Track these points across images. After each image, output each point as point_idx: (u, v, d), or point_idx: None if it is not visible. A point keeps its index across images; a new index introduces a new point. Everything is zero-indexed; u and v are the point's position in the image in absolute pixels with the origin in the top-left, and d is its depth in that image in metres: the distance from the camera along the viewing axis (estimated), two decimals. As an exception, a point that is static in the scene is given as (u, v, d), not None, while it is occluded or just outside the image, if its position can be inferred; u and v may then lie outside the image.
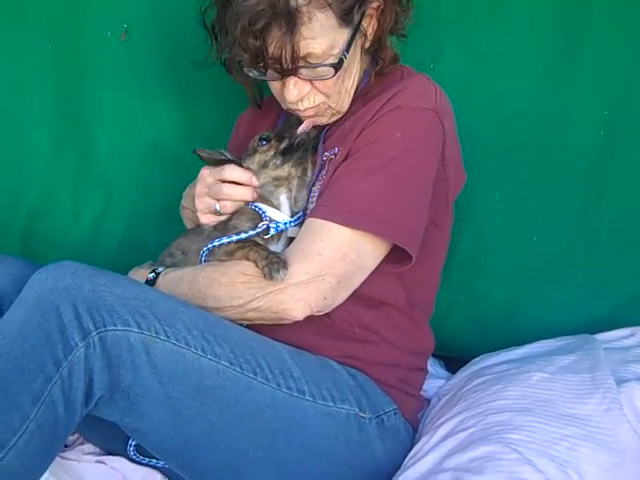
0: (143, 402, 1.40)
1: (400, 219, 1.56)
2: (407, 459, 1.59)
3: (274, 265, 1.50)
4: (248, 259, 1.56)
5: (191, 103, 2.11)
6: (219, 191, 1.68)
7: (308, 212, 1.65)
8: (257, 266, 1.54)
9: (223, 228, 1.67)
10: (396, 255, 1.58)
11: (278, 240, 1.67)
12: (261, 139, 1.71)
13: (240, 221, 1.67)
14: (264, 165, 1.69)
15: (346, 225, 1.53)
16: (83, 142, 2.14)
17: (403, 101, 1.59)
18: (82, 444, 1.79)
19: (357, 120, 1.64)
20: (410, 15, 1.71)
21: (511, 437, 1.44)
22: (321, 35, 1.53)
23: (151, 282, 1.66)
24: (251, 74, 1.62)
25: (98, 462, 1.71)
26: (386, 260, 1.60)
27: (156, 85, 2.10)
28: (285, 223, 1.66)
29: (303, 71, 1.57)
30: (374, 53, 1.70)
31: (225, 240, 1.62)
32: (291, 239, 1.64)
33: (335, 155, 1.64)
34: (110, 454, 1.74)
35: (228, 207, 1.69)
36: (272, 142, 1.70)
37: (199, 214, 1.72)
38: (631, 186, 1.96)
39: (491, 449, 1.42)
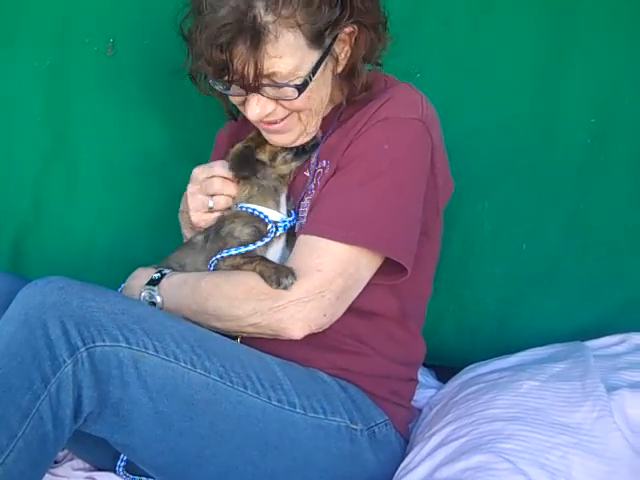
0: (132, 418, 1.40)
1: (393, 232, 1.56)
2: (399, 470, 1.59)
3: (282, 272, 1.50)
4: (255, 271, 1.55)
5: (178, 115, 2.10)
6: (210, 186, 1.68)
7: (298, 225, 1.64)
8: (264, 277, 1.52)
9: (216, 237, 1.65)
10: (390, 267, 1.58)
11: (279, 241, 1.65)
12: None
13: (235, 225, 1.64)
14: (273, 158, 1.66)
15: (341, 241, 1.53)
16: (71, 156, 2.13)
17: (389, 112, 1.59)
18: (71, 460, 1.77)
19: (344, 133, 1.63)
20: (386, 45, 1.68)
21: (503, 446, 1.44)
22: (287, 55, 1.49)
23: (155, 282, 1.64)
24: (216, 87, 1.59)
25: (88, 478, 1.70)
26: (381, 273, 1.60)
27: (143, 98, 2.10)
28: (290, 221, 1.65)
29: (267, 89, 1.53)
30: (346, 79, 1.65)
31: (233, 252, 1.60)
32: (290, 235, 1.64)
33: (323, 169, 1.64)
34: (100, 470, 1.72)
35: (221, 203, 1.68)
36: None
37: (191, 212, 1.71)
38: (619, 193, 1.97)
39: (483, 459, 1.42)
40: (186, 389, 1.42)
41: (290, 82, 1.52)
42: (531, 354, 1.86)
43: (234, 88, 1.56)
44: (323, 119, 1.68)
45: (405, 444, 1.71)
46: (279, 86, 1.52)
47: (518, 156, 1.99)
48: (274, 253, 1.64)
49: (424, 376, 2.01)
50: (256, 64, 1.47)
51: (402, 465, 1.59)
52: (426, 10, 1.96)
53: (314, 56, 1.53)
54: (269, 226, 1.62)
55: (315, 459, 1.53)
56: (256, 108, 1.56)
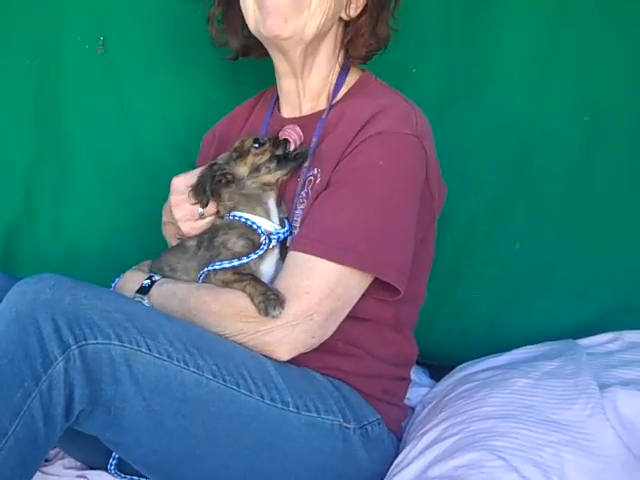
0: (124, 416, 1.39)
1: (385, 252, 1.54)
2: (392, 468, 1.59)
3: (270, 301, 1.48)
4: (244, 292, 1.54)
5: (170, 113, 2.10)
6: None
7: (290, 238, 1.63)
8: (253, 301, 1.51)
9: (209, 246, 1.64)
10: (384, 283, 1.55)
11: (272, 253, 1.63)
12: (256, 141, 1.67)
13: (229, 236, 1.62)
14: (256, 168, 1.65)
15: (332, 260, 1.51)
16: (62, 155, 2.13)
17: (383, 127, 1.57)
18: (63, 458, 1.77)
19: (335, 139, 1.62)
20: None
21: (495, 444, 1.44)
22: None
23: (145, 289, 1.64)
24: None
25: (79, 476, 1.69)
26: (374, 288, 1.58)
27: (134, 97, 2.10)
28: (284, 232, 1.63)
29: None
30: (352, 31, 1.71)
31: (226, 264, 1.58)
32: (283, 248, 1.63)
33: (314, 177, 1.63)
34: (91, 468, 1.72)
35: (212, 209, 1.67)
36: (266, 145, 1.66)
37: (180, 223, 1.70)
38: (613, 192, 1.97)
39: (476, 456, 1.42)
40: (179, 387, 1.41)
41: None
42: (524, 352, 1.86)
43: None
44: (309, 118, 1.70)
45: (398, 442, 1.71)
46: None
47: (512, 155, 2.00)
48: (268, 266, 1.62)
49: (417, 375, 2.01)
50: None
51: (395, 463, 1.59)
52: (423, 6, 1.96)
53: None
54: (262, 238, 1.60)
55: (308, 458, 1.53)
56: None
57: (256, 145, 1.66)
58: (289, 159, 1.65)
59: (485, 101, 1.99)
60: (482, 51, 1.98)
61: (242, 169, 1.66)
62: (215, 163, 1.67)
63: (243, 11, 1.69)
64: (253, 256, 1.58)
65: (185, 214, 1.69)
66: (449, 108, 1.97)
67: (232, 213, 1.65)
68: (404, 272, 1.56)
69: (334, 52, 1.73)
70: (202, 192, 1.64)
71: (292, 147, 1.66)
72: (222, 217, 1.67)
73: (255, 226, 1.61)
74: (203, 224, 1.69)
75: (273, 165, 1.65)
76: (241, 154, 1.67)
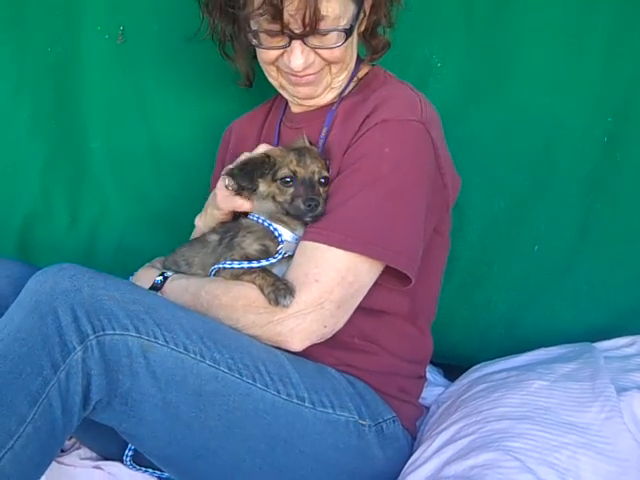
0: (141, 407, 1.40)
1: (393, 238, 1.53)
2: (406, 467, 1.58)
3: (280, 291, 1.48)
4: (254, 283, 1.54)
5: (188, 107, 2.10)
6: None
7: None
8: (263, 292, 1.51)
9: (229, 244, 1.64)
10: (396, 271, 1.55)
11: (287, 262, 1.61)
12: (284, 177, 1.60)
13: (246, 238, 1.62)
14: (273, 197, 1.61)
15: (340, 247, 1.51)
16: (80, 146, 2.14)
17: (388, 114, 1.58)
18: (78, 449, 1.78)
19: (342, 131, 1.63)
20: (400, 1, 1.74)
21: (511, 445, 1.44)
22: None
23: (158, 286, 1.65)
24: (254, 42, 1.62)
25: (95, 467, 1.70)
26: (386, 276, 1.58)
27: (152, 87, 2.10)
28: (297, 239, 1.61)
29: (312, 39, 1.57)
30: (367, 40, 1.73)
31: (236, 265, 1.57)
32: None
33: None
34: (107, 459, 1.73)
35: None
36: (291, 190, 1.59)
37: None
38: (634, 194, 1.96)
39: (491, 457, 1.41)
40: (195, 380, 1.42)
41: (337, 27, 1.57)
42: (540, 354, 1.85)
43: (274, 41, 1.59)
44: (319, 110, 1.71)
45: (412, 441, 1.71)
46: (327, 32, 1.57)
47: (533, 155, 1.99)
48: (279, 271, 1.60)
49: (432, 374, 2.01)
50: (316, 5, 1.52)
51: (409, 462, 1.59)
52: (447, 1, 1.96)
53: (352, 7, 1.60)
54: (280, 247, 1.59)
55: (323, 453, 1.53)
56: (300, 58, 1.60)
57: (287, 180, 1.60)
58: (299, 216, 1.59)
59: (508, 98, 1.98)
60: (506, 47, 1.97)
61: (263, 187, 1.63)
62: (269, 157, 1.63)
63: (266, 75, 1.72)
64: (264, 262, 1.57)
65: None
66: (472, 104, 1.96)
67: (257, 215, 1.64)
68: (414, 258, 1.55)
69: (352, 64, 1.73)
70: (247, 178, 1.62)
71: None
72: (246, 215, 1.66)
73: (277, 233, 1.61)
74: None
75: (285, 208, 1.60)
76: (272, 173, 1.62)
